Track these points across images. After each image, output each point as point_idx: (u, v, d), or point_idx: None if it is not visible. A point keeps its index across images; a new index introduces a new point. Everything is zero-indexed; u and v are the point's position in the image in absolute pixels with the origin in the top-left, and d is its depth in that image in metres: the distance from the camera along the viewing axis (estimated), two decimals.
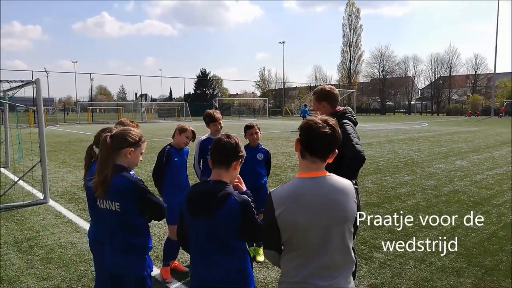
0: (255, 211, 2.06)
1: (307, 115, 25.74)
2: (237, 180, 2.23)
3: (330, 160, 1.81)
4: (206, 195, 2.03)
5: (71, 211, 6.47)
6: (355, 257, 1.90)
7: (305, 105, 32.69)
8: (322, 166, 1.81)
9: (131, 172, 2.49)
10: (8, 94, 10.17)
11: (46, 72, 50.00)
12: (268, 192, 1.87)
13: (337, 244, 1.77)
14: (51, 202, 7.01)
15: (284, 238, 1.79)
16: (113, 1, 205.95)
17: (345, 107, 3.28)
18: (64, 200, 7.23)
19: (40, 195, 7.27)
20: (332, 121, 1.81)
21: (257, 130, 4.41)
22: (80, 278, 4.01)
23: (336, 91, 3.25)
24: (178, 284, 3.90)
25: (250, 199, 2.10)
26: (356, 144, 2.87)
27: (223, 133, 2.26)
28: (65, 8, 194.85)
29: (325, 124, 1.78)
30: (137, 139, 2.50)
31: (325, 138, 1.77)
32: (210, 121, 4.32)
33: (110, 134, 2.45)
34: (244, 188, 2.20)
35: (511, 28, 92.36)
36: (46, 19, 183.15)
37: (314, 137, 1.77)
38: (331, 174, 1.82)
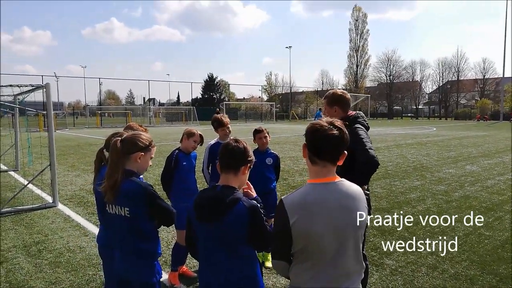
0: (264, 217, 2.03)
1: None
2: (247, 186, 2.20)
3: (340, 163, 1.77)
4: (214, 201, 2.00)
5: (79, 215, 6.49)
6: (366, 264, 1.86)
7: (320, 109, 32.24)
8: (333, 170, 1.77)
9: (140, 177, 2.48)
10: (18, 99, 10.28)
11: (56, 76, 50.65)
12: (279, 199, 1.83)
13: (351, 251, 1.73)
14: (60, 206, 7.04)
15: (298, 247, 1.73)
16: (122, 7, 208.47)
17: (357, 111, 3.24)
18: (73, 203, 7.25)
19: (49, 199, 7.29)
20: (338, 122, 1.77)
21: (266, 134, 4.38)
22: (88, 282, 4.00)
23: (348, 95, 3.21)
24: None
25: (259, 205, 2.07)
26: (369, 149, 2.83)
27: (231, 138, 2.23)
28: (75, 14, 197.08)
29: (331, 126, 1.73)
30: (147, 143, 2.48)
31: (333, 141, 1.72)
32: (219, 126, 4.30)
33: (120, 138, 2.44)
34: (254, 194, 2.17)
35: None
36: (55, 24, 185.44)
37: (322, 140, 1.72)
38: (343, 179, 1.78)
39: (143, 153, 2.44)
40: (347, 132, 1.76)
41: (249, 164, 2.15)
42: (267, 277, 4.05)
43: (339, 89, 3.45)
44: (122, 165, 2.37)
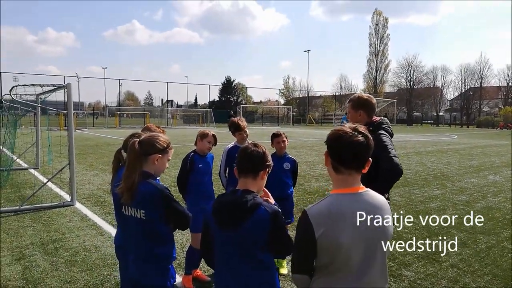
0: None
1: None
2: (264, 194, 2.15)
3: (365, 170, 1.69)
4: (234, 206, 1.96)
5: (96, 214, 6.55)
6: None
7: (346, 113, 31.62)
8: (358, 178, 1.69)
9: (157, 179, 2.46)
10: (40, 98, 10.50)
11: (77, 77, 51.61)
12: (296, 205, 1.76)
13: (378, 263, 1.66)
14: (78, 205, 7.13)
15: (325, 260, 1.65)
16: (144, 10, 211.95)
17: (382, 117, 3.16)
18: (90, 203, 7.33)
19: (67, 197, 7.40)
20: (362, 127, 1.69)
21: (284, 139, 4.32)
22: (103, 283, 4.01)
23: (374, 100, 3.13)
24: None
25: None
26: (394, 156, 2.75)
27: (250, 142, 2.19)
28: (97, 16, 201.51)
29: (356, 133, 1.65)
30: (165, 145, 2.46)
31: (358, 148, 1.64)
32: (236, 130, 4.27)
33: (138, 139, 2.42)
34: (272, 201, 2.12)
35: None
36: (79, 26, 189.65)
37: (346, 147, 1.64)
38: (368, 189, 1.71)
39: (160, 155, 2.42)
40: (371, 138, 1.69)
41: (267, 169, 2.11)
42: (281, 284, 3.98)
43: (364, 93, 3.37)
44: (139, 166, 2.35)
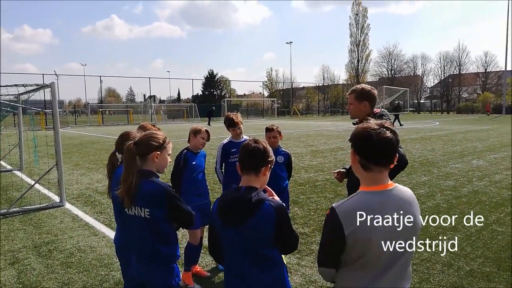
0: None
1: None
2: (268, 192, 2.15)
3: (393, 165, 1.69)
4: (239, 202, 1.96)
5: (87, 214, 6.46)
6: None
7: (382, 106, 30.51)
8: (387, 174, 1.70)
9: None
10: (22, 98, 10.23)
11: (56, 75, 50.28)
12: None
13: (405, 259, 1.69)
14: (68, 205, 7.01)
15: (354, 256, 1.66)
16: (123, 4, 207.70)
17: (382, 109, 3.20)
18: (80, 203, 7.22)
19: (56, 198, 7.27)
20: (387, 123, 1.69)
21: (277, 134, 4.33)
22: (101, 283, 3.97)
23: (376, 92, 3.17)
24: None
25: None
26: (399, 147, 2.81)
27: (250, 138, 2.18)
28: (75, 11, 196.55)
29: (383, 129, 1.64)
30: (161, 141, 2.44)
31: (388, 145, 1.63)
32: (230, 125, 4.27)
33: (134, 141, 2.39)
34: (277, 199, 2.12)
35: None
36: (56, 22, 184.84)
37: (376, 145, 1.62)
38: (397, 185, 1.70)
39: (159, 152, 2.40)
40: (397, 132, 1.69)
41: (269, 165, 2.11)
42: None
43: (365, 84, 3.42)
44: (136, 167, 2.33)
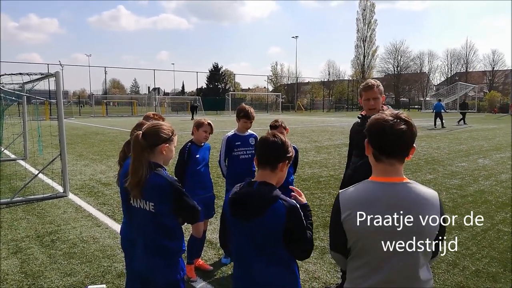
0: (305, 220, 1.91)
1: (442, 110, 24.52)
2: (296, 192, 2.10)
3: (409, 158, 1.63)
4: (251, 198, 1.89)
5: (91, 205, 6.45)
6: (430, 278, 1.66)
7: (440, 100, 28.15)
8: (400, 168, 1.63)
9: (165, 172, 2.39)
10: (26, 87, 10.21)
11: (60, 65, 50.27)
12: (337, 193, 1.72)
13: (404, 260, 1.56)
14: (71, 196, 7.01)
15: (350, 243, 1.64)
16: None
17: (387, 105, 3.22)
18: (83, 193, 7.22)
19: (60, 188, 7.27)
20: (404, 114, 1.62)
21: (282, 130, 4.25)
22: (104, 274, 3.95)
23: None
24: (203, 283, 3.81)
25: (308, 211, 2.00)
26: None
27: (269, 132, 2.11)
28: (82, 1, 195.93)
29: (398, 120, 1.57)
30: (170, 133, 2.39)
31: (401, 137, 1.56)
32: (244, 117, 4.24)
33: (141, 131, 2.34)
34: (304, 201, 2.05)
35: None
36: (63, 12, 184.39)
37: (389, 136, 1.56)
38: (413, 181, 1.62)
39: (167, 144, 2.36)
40: (415, 124, 1.62)
41: (287, 161, 2.01)
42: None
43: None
44: (146, 159, 2.28)
